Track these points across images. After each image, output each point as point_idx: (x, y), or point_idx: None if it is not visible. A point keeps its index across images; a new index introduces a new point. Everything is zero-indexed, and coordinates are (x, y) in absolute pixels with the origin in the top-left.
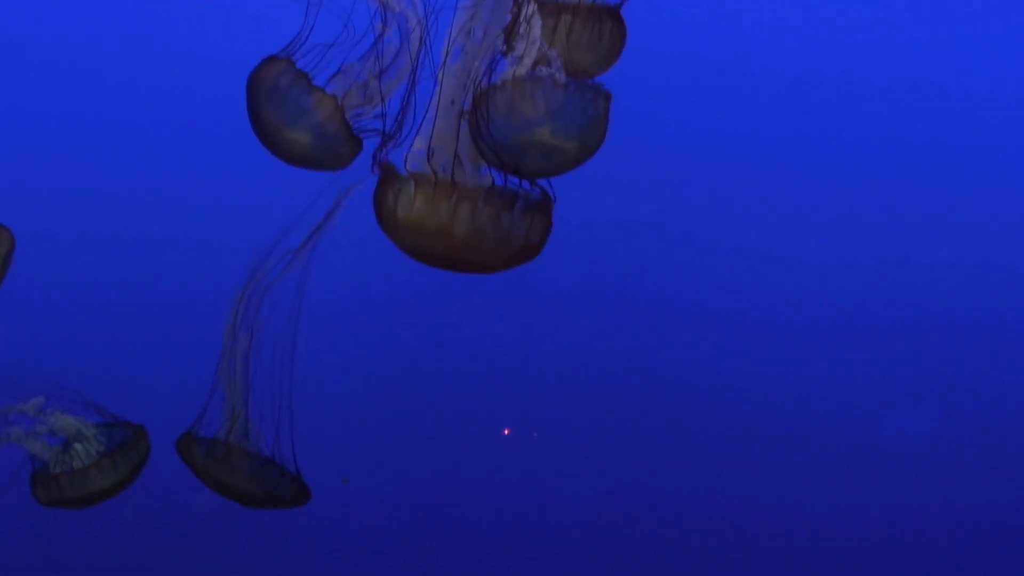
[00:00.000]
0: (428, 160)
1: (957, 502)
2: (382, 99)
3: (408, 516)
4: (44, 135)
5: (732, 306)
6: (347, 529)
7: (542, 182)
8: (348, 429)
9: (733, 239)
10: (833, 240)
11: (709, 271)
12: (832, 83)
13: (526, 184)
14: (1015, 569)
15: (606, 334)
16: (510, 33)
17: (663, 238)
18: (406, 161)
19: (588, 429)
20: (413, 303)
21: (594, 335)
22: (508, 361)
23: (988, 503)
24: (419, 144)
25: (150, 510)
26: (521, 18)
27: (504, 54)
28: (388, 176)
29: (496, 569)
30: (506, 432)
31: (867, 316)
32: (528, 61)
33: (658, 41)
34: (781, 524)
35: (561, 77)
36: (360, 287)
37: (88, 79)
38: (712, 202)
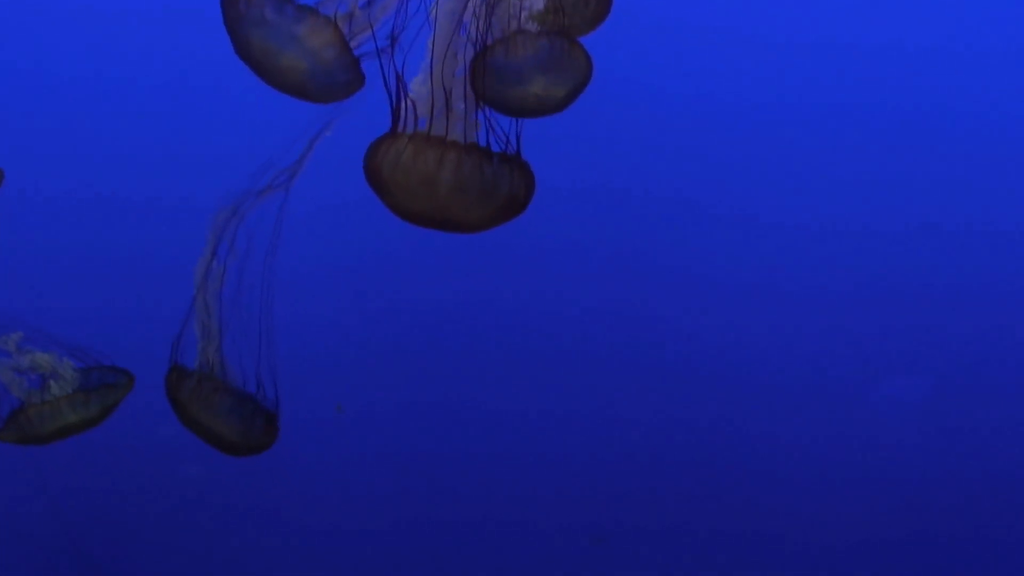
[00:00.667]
0: (423, 106)
1: (950, 470)
2: (371, 28)
3: (392, 475)
4: (23, 73)
5: (722, 274)
6: (336, 495)
7: (511, 133)
8: (327, 371)
9: (722, 205)
10: (824, 206)
11: (697, 238)
12: (818, 48)
13: (500, 136)
14: (1008, 536)
15: (595, 301)
16: None
17: (652, 205)
18: (401, 110)
19: (577, 395)
20: (396, 249)
21: (582, 302)
22: (491, 323)
23: (981, 470)
24: (416, 87)
25: (145, 477)
26: None
27: None
28: (379, 139)
29: (480, 539)
30: None
31: (858, 283)
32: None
33: (642, 5)
34: (771, 493)
35: (545, 29)
36: (340, 227)
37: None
38: (701, 168)
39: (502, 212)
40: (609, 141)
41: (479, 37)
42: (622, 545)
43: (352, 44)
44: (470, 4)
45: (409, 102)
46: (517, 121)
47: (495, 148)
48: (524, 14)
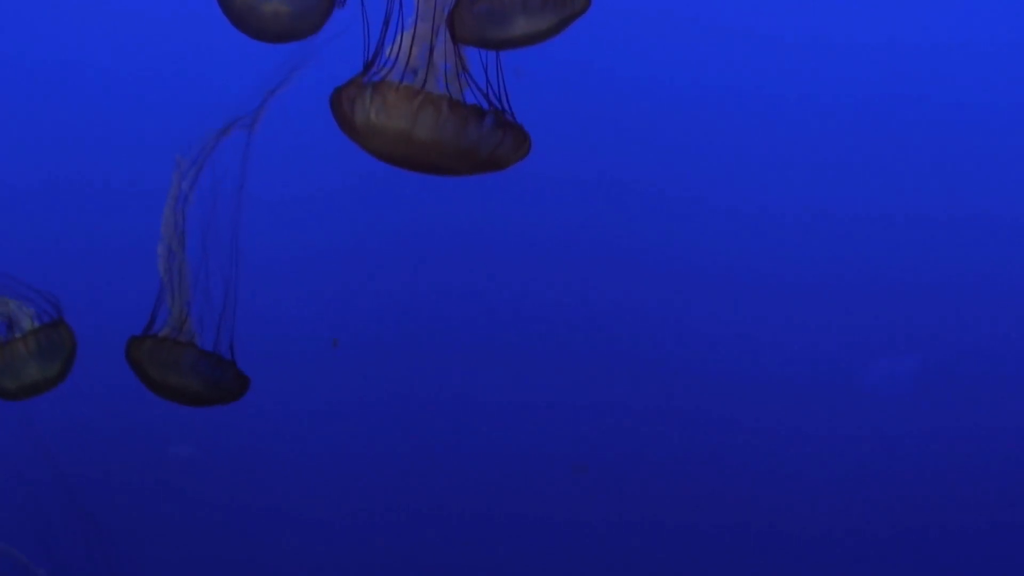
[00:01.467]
0: (400, 61)
1: (940, 453)
2: None
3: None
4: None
5: (708, 261)
6: (324, 459)
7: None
8: (294, 321)
9: (708, 195)
10: (811, 192)
11: (684, 227)
12: (803, 40)
13: (505, 104)
14: (999, 518)
15: (583, 292)
16: None
17: (638, 196)
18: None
19: (563, 384)
20: (371, 194)
21: (573, 293)
22: (478, 272)
23: (972, 453)
24: (403, 40)
25: (134, 462)
26: None
27: None
28: (347, 85)
29: (475, 469)
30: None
31: (844, 269)
32: None
33: None
34: (761, 481)
35: None
36: (309, 171)
37: None
38: (687, 158)
39: (484, 167)
40: (595, 132)
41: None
42: (600, 473)
43: None
44: None
45: (396, 48)
46: (500, 80)
47: (485, 106)
48: None
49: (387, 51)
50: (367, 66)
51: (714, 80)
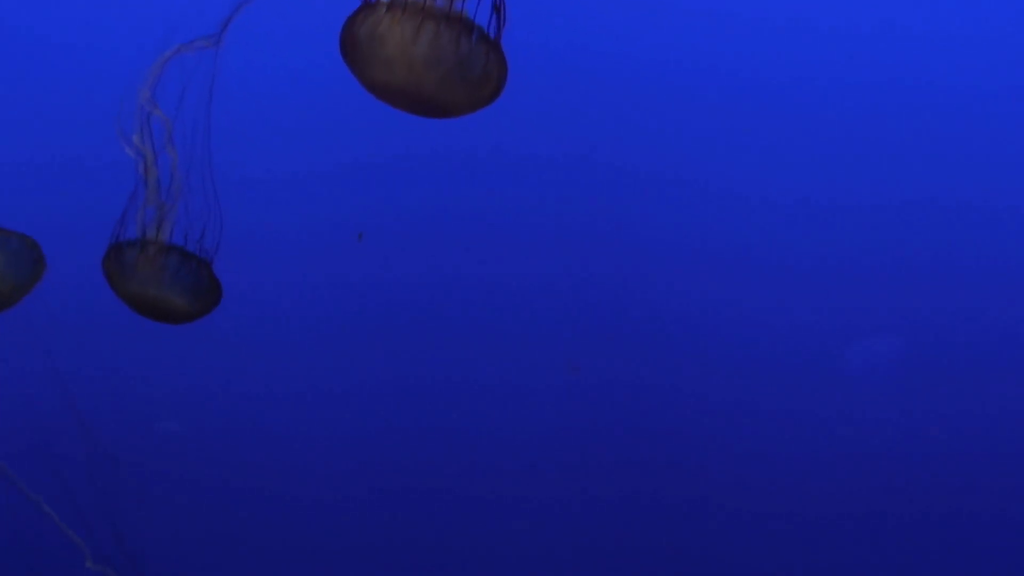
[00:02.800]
0: None
1: (920, 431)
2: None
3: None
4: None
5: (695, 242)
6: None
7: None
8: (272, 238)
9: (698, 179)
10: (794, 174)
11: (670, 207)
12: (790, 26)
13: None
14: (980, 496)
15: (571, 272)
16: None
17: (632, 178)
18: None
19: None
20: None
21: (560, 274)
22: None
23: (951, 432)
24: None
25: (125, 439)
26: None
27: None
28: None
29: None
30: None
31: (828, 250)
32: None
33: None
34: (747, 460)
35: None
36: (282, 81)
37: None
38: (679, 142)
39: (476, 92)
40: (581, 113)
41: None
42: (592, 372)
43: None
44: None
45: None
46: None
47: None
48: None
49: None
50: None
51: (707, 66)
